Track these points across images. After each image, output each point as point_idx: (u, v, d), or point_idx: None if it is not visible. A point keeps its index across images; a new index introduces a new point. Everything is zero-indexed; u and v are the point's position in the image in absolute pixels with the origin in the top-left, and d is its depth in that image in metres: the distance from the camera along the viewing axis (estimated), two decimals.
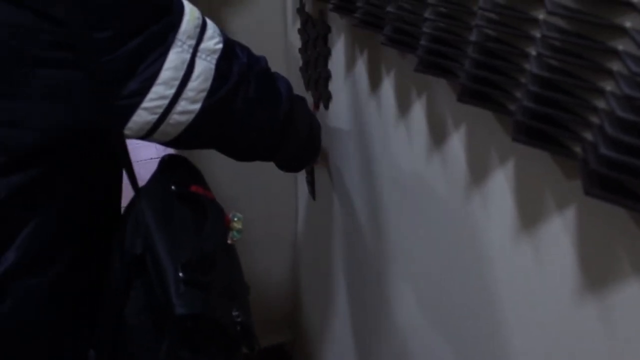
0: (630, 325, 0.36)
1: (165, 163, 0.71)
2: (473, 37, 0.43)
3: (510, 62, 0.41)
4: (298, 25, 1.01)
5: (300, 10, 0.97)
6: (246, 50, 0.65)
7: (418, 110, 0.62)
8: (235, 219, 0.71)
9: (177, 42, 0.55)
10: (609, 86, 0.34)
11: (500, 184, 0.48)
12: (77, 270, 0.60)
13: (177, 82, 0.55)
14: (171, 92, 0.55)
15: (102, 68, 0.51)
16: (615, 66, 0.33)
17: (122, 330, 0.62)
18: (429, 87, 0.58)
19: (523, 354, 0.49)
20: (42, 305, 0.57)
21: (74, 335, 0.63)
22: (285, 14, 1.13)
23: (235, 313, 0.64)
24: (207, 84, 0.58)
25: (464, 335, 0.59)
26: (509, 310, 0.50)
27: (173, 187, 0.67)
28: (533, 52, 0.39)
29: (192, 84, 0.57)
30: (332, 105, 0.95)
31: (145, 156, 2.67)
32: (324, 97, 0.96)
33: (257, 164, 0.88)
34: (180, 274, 0.58)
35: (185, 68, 0.56)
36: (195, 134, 0.61)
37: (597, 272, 0.39)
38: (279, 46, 1.16)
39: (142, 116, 0.55)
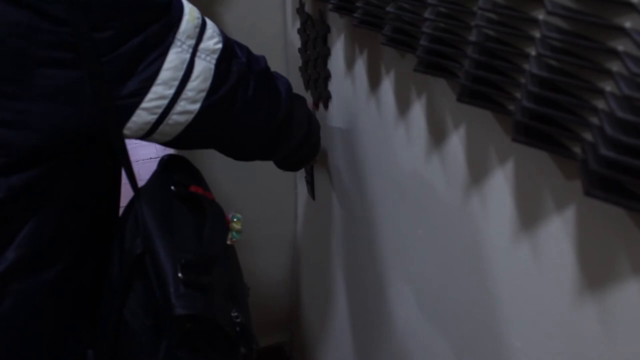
0: (629, 325, 0.36)
1: (164, 163, 0.71)
2: (473, 37, 0.43)
3: (510, 62, 0.41)
4: (298, 25, 1.01)
5: (300, 10, 0.97)
6: (246, 50, 0.65)
7: (417, 110, 0.62)
8: (235, 220, 0.71)
9: (177, 42, 0.55)
10: (608, 86, 0.34)
11: (500, 184, 0.48)
12: (76, 270, 0.60)
13: (176, 82, 0.55)
14: (170, 92, 0.55)
15: (102, 68, 0.51)
16: (615, 66, 0.33)
17: (121, 330, 0.62)
18: (428, 87, 0.58)
19: (523, 354, 0.49)
20: (41, 304, 0.56)
21: (73, 335, 0.62)
22: (285, 13, 1.13)
23: (234, 314, 0.64)
24: (207, 84, 0.58)
25: (463, 334, 0.59)
26: (508, 310, 0.50)
27: (172, 187, 0.67)
28: (533, 52, 0.39)
29: (192, 84, 0.57)
30: (331, 105, 0.95)
31: (145, 156, 2.67)
32: (324, 97, 0.96)
33: (257, 164, 0.88)
34: (180, 275, 0.58)
35: (185, 68, 0.56)
36: (194, 134, 0.61)
37: (596, 273, 0.39)
38: (278, 46, 1.16)
39: (142, 116, 0.55)
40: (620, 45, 0.32)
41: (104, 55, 0.50)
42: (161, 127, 0.57)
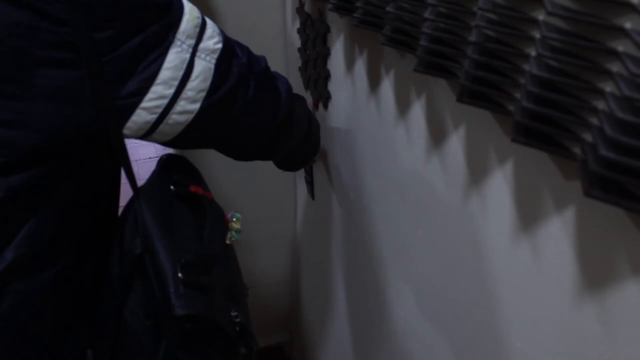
0: (628, 325, 0.36)
1: (164, 162, 0.71)
2: (473, 38, 0.43)
3: (510, 62, 0.41)
4: (297, 25, 1.01)
5: (300, 10, 0.97)
6: (246, 49, 0.65)
7: (417, 111, 0.62)
8: (234, 219, 0.71)
9: (177, 42, 0.55)
10: (608, 87, 0.34)
11: (500, 184, 0.48)
12: (76, 270, 0.60)
13: (176, 82, 0.55)
14: (170, 91, 0.55)
15: (102, 68, 0.51)
16: (615, 67, 0.33)
17: (120, 330, 0.62)
18: (428, 87, 0.58)
19: (523, 354, 0.49)
20: (40, 304, 0.57)
21: (73, 335, 0.62)
22: (285, 13, 1.13)
23: (234, 314, 0.64)
24: (207, 84, 0.58)
25: (463, 334, 0.59)
26: (508, 310, 0.50)
27: (172, 187, 0.67)
28: (533, 52, 0.39)
29: (192, 83, 0.57)
30: (331, 105, 0.95)
31: (144, 155, 2.67)
32: (323, 97, 0.96)
33: (257, 164, 0.88)
34: (180, 275, 0.58)
35: (185, 68, 0.56)
36: (194, 134, 0.61)
37: (596, 273, 0.39)
38: (278, 46, 1.16)
39: (141, 116, 0.55)
40: (620, 46, 0.32)
41: (104, 55, 0.50)
42: (161, 127, 0.57)
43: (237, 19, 1.10)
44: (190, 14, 0.56)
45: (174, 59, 0.55)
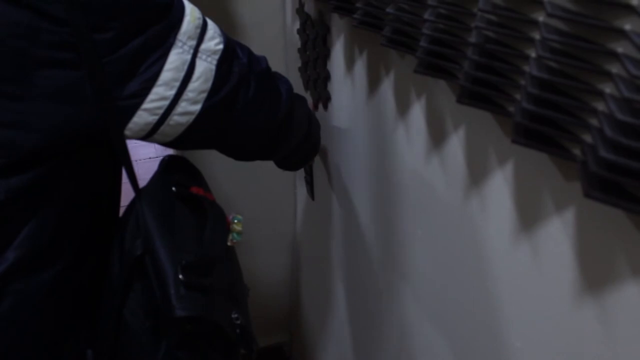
0: (628, 326, 0.36)
1: (165, 164, 0.71)
2: (473, 39, 0.43)
3: (510, 63, 0.41)
4: (297, 25, 1.01)
5: (300, 10, 0.97)
6: (247, 50, 0.65)
7: (417, 112, 0.62)
8: (236, 221, 0.71)
9: (178, 43, 0.55)
10: (608, 88, 0.34)
11: (500, 185, 0.48)
12: (76, 270, 0.60)
13: (177, 83, 0.55)
14: (172, 93, 0.55)
15: (103, 69, 0.50)
16: (615, 69, 0.33)
17: (120, 330, 0.62)
18: (428, 88, 0.58)
19: (523, 354, 0.49)
20: (41, 304, 0.57)
21: (73, 335, 0.62)
22: (285, 14, 1.13)
23: (234, 315, 0.64)
24: (208, 85, 0.58)
25: (463, 334, 0.59)
26: (508, 310, 0.50)
27: (174, 188, 0.66)
28: (532, 54, 0.39)
29: (193, 84, 0.57)
30: (331, 105, 0.95)
31: (144, 155, 2.66)
32: (323, 98, 0.96)
33: (257, 164, 0.88)
34: (180, 276, 0.58)
35: (186, 69, 0.56)
36: (195, 135, 0.61)
37: (596, 274, 0.39)
38: (278, 46, 1.16)
39: (143, 117, 0.55)
40: (620, 48, 0.32)
41: (104, 56, 0.50)
42: (162, 128, 0.57)
43: (237, 19, 1.10)
44: (191, 14, 0.56)
45: (175, 60, 0.55)
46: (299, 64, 1.06)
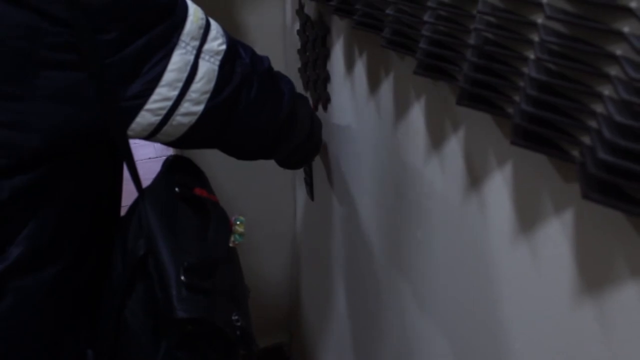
0: (626, 327, 0.37)
1: (169, 164, 0.71)
2: (472, 41, 0.43)
3: (509, 65, 0.41)
4: (297, 26, 1.01)
5: (300, 11, 0.97)
6: (249, 50, 0.65)
7: (417, 113, 0.62)
8: (238, 223, 0.70)
9: (181, 44, 0.55)
10: (607, 91, 0.34)
11: (499, 186, 0.48)
12: (77, 270, 0.60)
13: (180, 84, 0.55)
14: (174, 93, 0.55)
15: (106, 70, 0.50)
16: (614, 71, 0.33)
17: (121, 331, 0.62)
18: (427, 89, 0.59)
19: (522, 354, 0.49)
20: (41, 304, 0.57)
21: (73, 335, 0.63)
22: (285, 15, 1.13)
23: (235, 317, 0.64)
24: (211, 86, 0.58)
25: (463, 334, 0.59)
26: (508, 311, 0.50)
27: (177, 189, 0.66)
28: (532, 56, 0.39)
29: (196, 85, 0.56)
30: (330, 106, 0.95)
31: (143, 156, 2.66)
32: (323, 99, 0.96)
33: (256, 164, 0.88)
34: (183, 278, 0.58)
35: (189, 70, 0.55)
36: (197, 135, 0.61)
37: (594, 275, 0.39)
38: (278, 47, 1.16)
39: (146, 117, 0.55)
40: (619, 50, 0.33)
41: (107, 57, 0.50)
42: (165, 128, 0.57)
43: (237, 19, 1.10)
44: (194, 15, 0.56)
45: (178, 60, 0.54)
46: (299, 65, 1.06)
